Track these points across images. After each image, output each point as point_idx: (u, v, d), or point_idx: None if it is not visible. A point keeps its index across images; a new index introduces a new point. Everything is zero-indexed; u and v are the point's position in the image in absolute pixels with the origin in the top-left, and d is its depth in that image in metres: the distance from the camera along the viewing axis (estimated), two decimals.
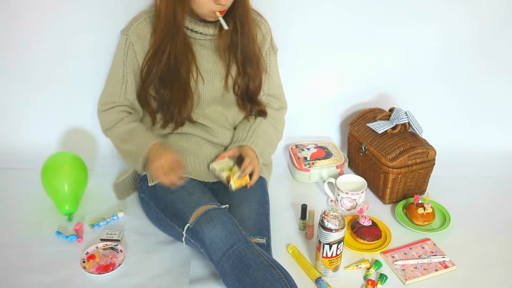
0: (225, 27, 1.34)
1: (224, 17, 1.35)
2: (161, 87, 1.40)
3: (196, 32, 1.40)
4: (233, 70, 1.45)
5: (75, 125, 1.88)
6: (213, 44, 1.44)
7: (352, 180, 1.67)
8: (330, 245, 1.30)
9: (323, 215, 1.30)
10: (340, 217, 1.30)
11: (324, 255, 1.33)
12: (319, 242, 1.32)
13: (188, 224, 1.29)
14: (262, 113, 1.56)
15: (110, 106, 1.45)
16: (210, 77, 1.44)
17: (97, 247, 1.43)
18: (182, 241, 1.37)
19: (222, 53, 1.43)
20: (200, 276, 1.34)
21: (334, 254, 1.32)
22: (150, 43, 1.39)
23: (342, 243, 1.33)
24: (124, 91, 1.44)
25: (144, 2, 1.64)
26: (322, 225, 1.29)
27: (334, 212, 1.31)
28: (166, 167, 1.31)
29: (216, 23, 1.39)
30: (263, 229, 1.38)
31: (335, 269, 1.36)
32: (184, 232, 1.31)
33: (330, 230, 1.28)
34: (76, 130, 1.88)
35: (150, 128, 1.52)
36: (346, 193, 1.59)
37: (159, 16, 1.34)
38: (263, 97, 1.56)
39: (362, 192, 1.60)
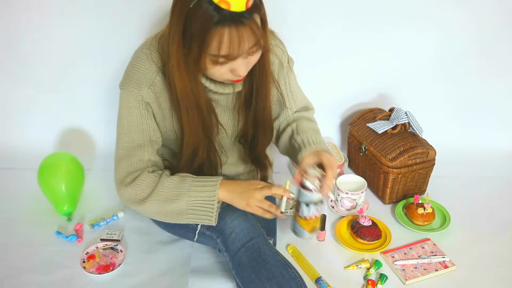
0: (238, 89, 1.24)
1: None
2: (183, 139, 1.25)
3: (213, 91, 1.24)
4: (245, 127, 1.34)
5: (73, 125, 1.88)
6: (229, 101, 1.30)
7: (352, 180, 1.66)
8: (308, 204, 1.20)
9: (304, 174, 1.19)
10: (321, 178, 1.19)
11: (301, 215, 1.23)
12: (298, 201, 1.22)
13: None
14: (263, 168, 1.43)
15: (137, 175, 1.22)
16: (226, 127, 1.34)
17: (97, 247, 1.43)
18: (189, 239, 1.36)
19: (237, 111, 1.31)
20: (200, 276, 1.34)
21: (312, 215, 1.22)
22: (168, 99, 1.23)
23: (321, 207, 1.23)
24: (149, 155, 1.24)
25: (144, 3, 1.64)
26: (302, 185, 1.19)
27: (315, 171, 1.19)
28: (265, 204, 1.20)
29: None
30: (270, 231, 1.40)
31: (312, 230, 1.26)
32: (199, 225, 1.30)
33: (310, 190, 1.18)
34: (75, 130, 1.88)
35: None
36: (346, 193, 1.59)
37: (172, 86, 1.17)
38: (290, 115, 1.44)
39: (362, 192, 1.60)
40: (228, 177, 1.41)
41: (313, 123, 1.46)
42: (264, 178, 1.45)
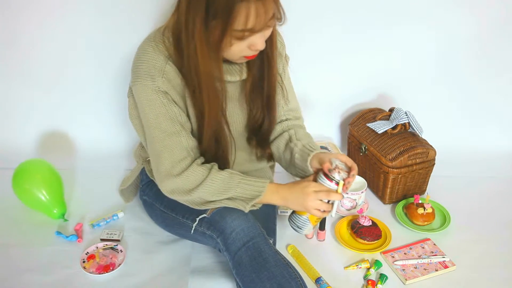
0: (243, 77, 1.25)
1: (247, 63, 1.26)
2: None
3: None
4: (256, 112, 1.34)
5: (73, 124, 1.88)
6: (236, 92, 1.31)
7: None
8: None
9: (334, 169, 1.21)
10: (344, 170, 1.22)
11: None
12: None
13: (204, 215, 1.28)
14: (269, 157, 1.45)
15: (185, 165, 1.22)
16: (233, 118, 1.34)
17: (97, 247, 1.43)
18: (188, 238, 1.37)
19: (247, 98, 1.31)
20: (200, 275, 1.34)
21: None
22: (182, 84, 1.21)
23: (333, 204, 1.24)
24: (186, 140, 1.23)
25: (144, 3, 1.64)
26: (326, 174, 1.21)
27: (343, 166, 1.23)
28: (323, 206, 1.21)
29: (240, 68, 1.26)
30: (270, 231, 1.40)
31: (315, 224, 1.28)
32: (195, 224, 1.30)
33: (332, 181, 1.20)
34: (74, 129, 1.88)
35: None
36: (346, 193, 1.59)
37: (192, 69, 1.16)
38: (282, 113, 1.44)
39: (362, 192, 1.60)
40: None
41: (309, 134, 1.46)
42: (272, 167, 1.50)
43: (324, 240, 1.51)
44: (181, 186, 1.23)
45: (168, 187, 1.24)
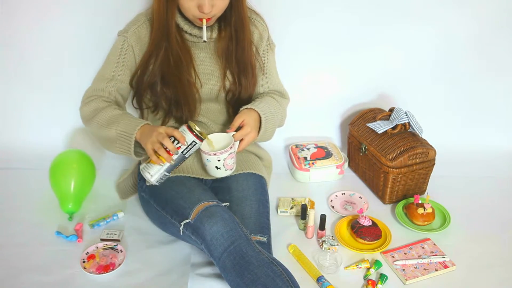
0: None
1: (220, 24, 1.39)
2: (163, 86, 1.39)
3: (193, 35, 1.40)
4: (229, 75, 1.46)
5: (80, 124, 1.85)
6: (212, 47, 1.44)
7: (220, 139, 1.42)
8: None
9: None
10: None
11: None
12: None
13: (189, 220, 1.29)
14: None
15: (94, 98, 1.40)
16: (207, 78, 1.45)
17: (97, 247, 1.43)
18: (183, 239, 1.37)
19: (220, 57, 1.44)
20: (200, 275, 1.34)
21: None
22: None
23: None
24: (110, 88, 1.41)
25: (142, 2, 1.64)
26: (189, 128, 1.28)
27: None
28: (156, 142, 1.25)
29: (212, 26, 1.40)
30: (264, 227, 1.39)
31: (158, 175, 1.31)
32: (181, 228, 1.31)
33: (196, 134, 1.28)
34: (81, 130, 1.88)
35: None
36: (214, 154, 1.34)
37: (154, 17, 1.36)
38: (262, 88, 1.55)
39: (228, 149, 1.35)
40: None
41: (278, 103, 1.53)
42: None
43: None
44: (84, 114, 1.41)
45: (80, 113, 1.43)
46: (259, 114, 1.41)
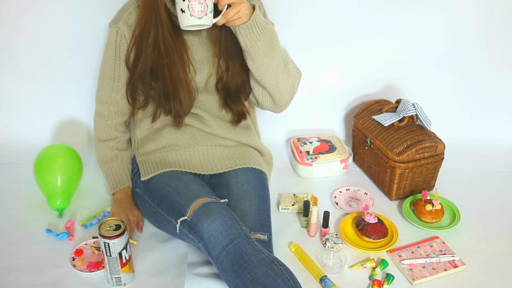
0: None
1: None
2: (152, 79, 1.38)
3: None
4: (222, 62, 1.43)
5: (68, 117, 1.88)
6: (205, 33, 1.42)
7: None
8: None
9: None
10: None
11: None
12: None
13: (186, 217, 1.27)
14: (241, 115, 1.52)
15: (98, 119, 1.53)
16: (201, 66, 1.43)
17: (86, 244, 1.42)
18: (179, 238, 1.37)
19: (212, 43, 1.42)
20: (197, 275, 1.33)
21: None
22: None
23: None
24: (117, 88, 1.45)
25: None
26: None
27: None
28: (125, 218, 1.46)
29: None
30: (264, 225, 1.38)
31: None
32: (177, 226, 1.30)
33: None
34: (69, 123, 1.87)
35: (143, 122, 1.50)
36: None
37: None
38: None
39: None
40: (212, 133, 1.51)
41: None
42: (248, 127, 1.58)
43: None
44: (97, 128, 1.56)
45: (95, 116, 1.56)
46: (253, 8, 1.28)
